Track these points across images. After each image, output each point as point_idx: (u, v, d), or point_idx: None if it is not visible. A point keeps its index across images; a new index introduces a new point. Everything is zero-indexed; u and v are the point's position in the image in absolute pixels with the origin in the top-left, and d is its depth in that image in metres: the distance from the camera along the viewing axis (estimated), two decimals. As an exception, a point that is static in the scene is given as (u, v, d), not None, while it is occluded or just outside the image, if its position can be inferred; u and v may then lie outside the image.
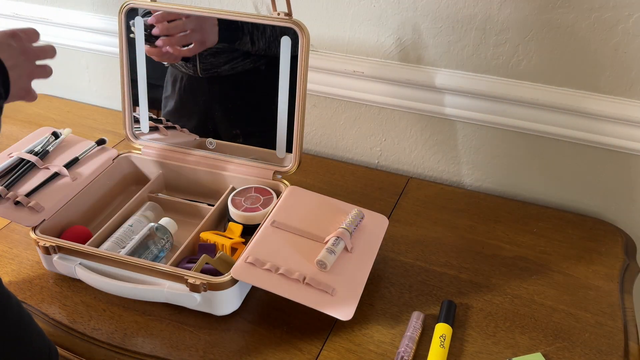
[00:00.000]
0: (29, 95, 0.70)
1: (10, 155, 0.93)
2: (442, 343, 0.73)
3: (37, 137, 0.98)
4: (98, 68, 1.30)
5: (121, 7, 0.90)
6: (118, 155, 0.97)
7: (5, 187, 0.86)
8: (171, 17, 0.88)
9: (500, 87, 0.95)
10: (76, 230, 0.86)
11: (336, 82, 1.06)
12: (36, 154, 0.93)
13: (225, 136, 0.96)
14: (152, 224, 0.86)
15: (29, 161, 0.91)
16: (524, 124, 0.97)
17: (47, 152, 0.95)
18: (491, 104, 0.97)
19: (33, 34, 0.70)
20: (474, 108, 0.99)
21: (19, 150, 0.94)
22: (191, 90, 0.96)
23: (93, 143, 0.98)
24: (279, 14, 0.82)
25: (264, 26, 0.85)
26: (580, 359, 0.73)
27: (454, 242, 0.92)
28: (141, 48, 0.92)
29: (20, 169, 0.90)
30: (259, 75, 0.91)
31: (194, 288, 0.73)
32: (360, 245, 0.81)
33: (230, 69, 0.91)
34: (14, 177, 0.88)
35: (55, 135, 0.99)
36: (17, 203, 0.83)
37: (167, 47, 0.90)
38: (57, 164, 0.92)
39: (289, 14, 0.82)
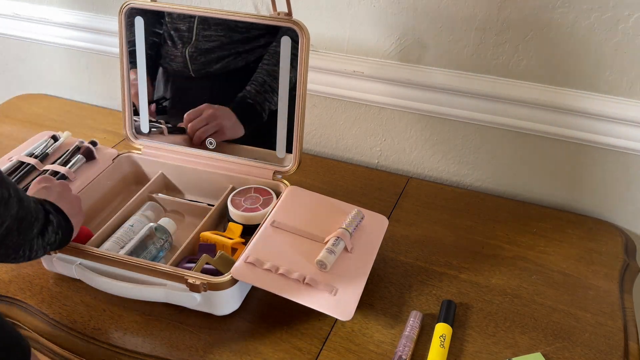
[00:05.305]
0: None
1: (10, 159, 0.93)
2: (442, 343, 0.73)
3: (37, 141, 0.98)
4: (98, 68, 1.30)
5: (121, 7, 0.91)
6: (118, 155, 0.97)
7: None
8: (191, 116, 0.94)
9: (500, 87, 0.95)
10: (76, 230, 0.86)
11: (336, 82, 1.06)
12: (36, 156, 0.93)
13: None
14: (152, 224, 0.86)
15: (28, 164, 0.92)
16: (524, 124, 0.97)
17: (47, 154, 0.95)
18: (491, 104, 0.97)
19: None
20: (474, 108, 0.99)
21: (19, 154, 0.94)
22: (184, 90, 0.95)
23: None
24: (279, 14, 0.82)
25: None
26: (580, 359, 0.73)
27: (454, 242, 0.92)
28: (141, 48, 0.92)
29: (21, 171, 0.90)
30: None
31: (194, 288, 0.73)
32: (360, 246, 0.81)
33: (222, 67, 0.90)
34: (14, 179, 0.88)
35: (55, 138, 0.99)
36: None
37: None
38: (57, 165, 0.92)
39: (289, 14, 0.82)
